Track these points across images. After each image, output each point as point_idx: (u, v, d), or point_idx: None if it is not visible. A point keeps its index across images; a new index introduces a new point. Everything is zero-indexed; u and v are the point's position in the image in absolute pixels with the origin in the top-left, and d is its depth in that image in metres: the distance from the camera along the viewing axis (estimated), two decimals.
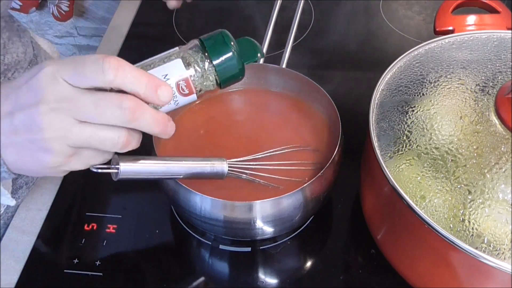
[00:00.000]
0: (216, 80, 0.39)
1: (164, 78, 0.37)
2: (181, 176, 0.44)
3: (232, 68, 0.39)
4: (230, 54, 0.38)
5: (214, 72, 0.39)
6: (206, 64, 0.38)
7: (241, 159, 0.50)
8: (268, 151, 0.52)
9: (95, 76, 0.33)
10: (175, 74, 0.37)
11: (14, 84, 0.36)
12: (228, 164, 0.47)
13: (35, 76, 0.34)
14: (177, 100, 0.38)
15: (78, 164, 0.37)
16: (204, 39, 0.39)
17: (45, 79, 0.34)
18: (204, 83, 0.39)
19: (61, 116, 0.34)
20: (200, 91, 0.39)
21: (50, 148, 0.35)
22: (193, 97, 0.39)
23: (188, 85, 0.38)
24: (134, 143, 0.37)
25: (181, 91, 0.38)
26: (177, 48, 0.39)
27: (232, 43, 0.39)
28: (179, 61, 0.38)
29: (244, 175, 0.49)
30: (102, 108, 0.34)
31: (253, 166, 0.50)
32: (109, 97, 0.34)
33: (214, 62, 0.38)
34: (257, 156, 0.51)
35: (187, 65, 0.38)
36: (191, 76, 0.38)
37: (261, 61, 0.59)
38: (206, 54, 0.38)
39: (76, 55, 0.35)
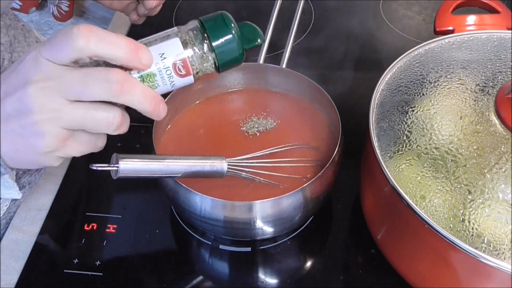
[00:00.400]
0: (215, 63, 0.38)
1: (161, 57, 0.36)
2: (181, 175, 0.44)
3: (231, 51, 0.38)
4: (230, 36, 0.37)
5: (213, 54, 0.37)
6: (205, 46, 0.37)
7: (240, 157, 0.50)
8: (267, 150, 0.52)
9: (68, 45, 0.32)
10: (173, 54, 0.36)
11: (5, 74, 0.36)
12: (228, 162, 0.47)
13: (22, 61, 0.34)
14: (173, 81, 0.37)
15: (73, 149, 0.36)
16: (204, 19, 0.38)
17: (30, 62, 0.34)
18: (203, 65, 0.38)
19: (50, 96, 0.33)
20: (197, 73, 0.38)
21: (43, 130, 0.34)
22: (190, 79, 0.38)
23: (186, 66, 0.37)
24: (126, 125, 0.36)
25: (178, 71, 0.37)
26: (175, 28, 0.38)
27: (232, 25, 0.38)
28: (177, 40, 0.37)
29: (244, 173, 0.49)
30: (89, 83, 0.33)
31: (253, 164, 0.50)
32: (95, 71, 0.33)
33: (214, 44, 0.37)
34: (256, 155, 0.51)
35: (185, 45, 0.37)
36: (188, 57, 0.37)
37: (261, 61, 0.59)
38: (206, 35, 0.37)
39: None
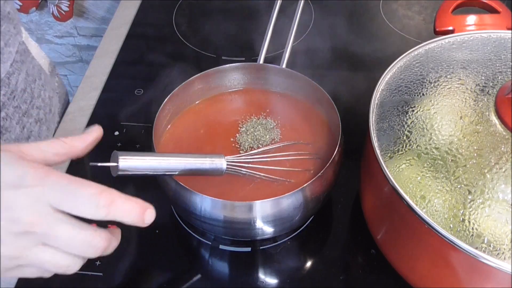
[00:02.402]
0: None
1: None
2: (180, 172, 0.44)
3: None
4: None
5: None
6: None
7: (240, 155, 0.50)
8: (265, 147, 0.52)
9: (88, 210, 0.33)
10: None
11: None
12: (227, 160, 0.47)
13: (18, 190, 0.32)
14: None
15: (9, 276, 0.35)
16: None
17: (27, 199, 0.32)
18: None
19: (28, 239, 0.32)
20: None
21: None
22: None
23: None
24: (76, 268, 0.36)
25: None
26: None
27: None
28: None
29: (244, 170, 0.49)
30: (76, 241, 0.33)
31: (252, 160, 0.50)
32: (86, 234, 0.34)
33: None
34: (254, 152, 0.52)
35: None
36: None
37: (261, 61, 0.59)
38: None
39: (60, 175, 0.33)
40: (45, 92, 0.65)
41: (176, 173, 0.44)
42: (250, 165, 0.49)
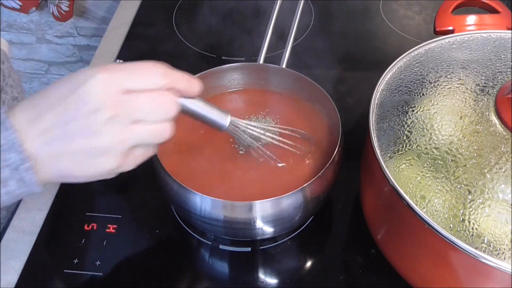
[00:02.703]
0: None
1: None
2: (183, 110, 0.43)
3: None
4: None
5: None
6: None
7: (246, 121, 0.49)
8: (270, 125, 0.53)
9: (152, 80, 0.37)
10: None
11: (48, 95, 0.36)
12: (231, 121, 0.46)
13: (85, 84, 0.35)
14: None
15: (130, 164, 0.39)
16: None
17: (100, 87, 0.35)
18: None
19: (119, 121, 0.36)
20: None
21: (110, 152, 0.36)
22: None
23: None
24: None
25: None
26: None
27: None
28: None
29: (245, 135, 0.48)
30: (155, 106, 0.37)
31: (256, 127, 0.49)
32: (161, 97, 0.37)
33: None
34: (260, 122, 0.52)
35: None
36: None
37: (261, 61, 0.59)
38: None
39: (117, 63, 0.38)
40: (14, 73, 0.67)
41: (181, 108, 0.43)
42: (250, 131, 0.49)
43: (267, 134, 0.50)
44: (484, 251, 0.38)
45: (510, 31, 0.52)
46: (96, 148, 0.36)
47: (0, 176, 0.35)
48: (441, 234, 0.38)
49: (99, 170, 0.37)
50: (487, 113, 0.43)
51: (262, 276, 0.53)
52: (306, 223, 0.56)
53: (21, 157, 0.35)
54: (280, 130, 0.52)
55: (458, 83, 0.46)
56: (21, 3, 1.02)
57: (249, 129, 0.48)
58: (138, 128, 0.37)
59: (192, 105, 0.42)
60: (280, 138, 0.51)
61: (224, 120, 0.45)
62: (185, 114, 0.43)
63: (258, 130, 0.49)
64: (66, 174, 0.37)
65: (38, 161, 0.36)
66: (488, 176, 0.40)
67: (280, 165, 0.52)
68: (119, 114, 0.35)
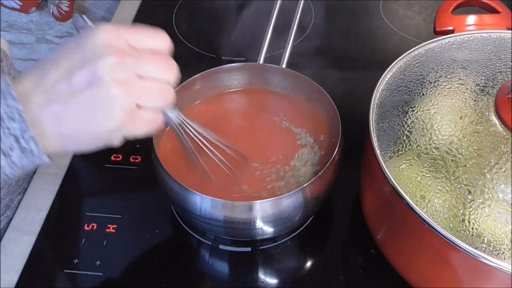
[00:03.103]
0: None
1: None
2: None
3: None
4: None
5: None
6: None
7: (194, 122, 0.46)
8: (216, 136, 0.48)
9: (158, 41, 0.38)
10: None
11: (57, 55, 0.36)
12: (178, 115, 0.43)
13: (91, 37, 0.35)
14: None
15: (135, 128, 0.37)
16: None
17: (106, 37, 0.35)
18: None
19: (124, 69, 0.35)
20: None
21: (113, 106, 0.35)
22: None
23: None
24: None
25: None
26: None
27: None
28: None
29: (184, 138, 0.45)
30: (160, 65, 0.37)
31: (193, 131, 0.46)
32: (166, 59, 0.38)
33: None
34: (201, 129, 0.46)
35: None
36: None
37: (261, 61, 0.59)
38: None
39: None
40: (14, 71, 0.66)
41: None
42: (194, 137, 0.46)
43: (203, 142, 0.46)
44: (484, 251, 0.38)
45: (510, 31, 0.52)
46: (99, 100, 0.35)
47: (2, 146, 0.35)
48: (441, 234, 0.38)
49: (102, 127, 0.36)
50: (487, 113, 0.43)
51: (262, 276, 0.53)
52: (306, 223, 0.56)
53: (21, 127, 0.34)
54: (220, 145, 0.48)
55: (458, 83, 0.46)
56: (21, 3, 1.02)
57: (191, 131, 0.46)
58: (143, 83, 0.36)
59: None
60: (213, 150, 0.47)
61: (172, 112, 0.43)
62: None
63: (196, 134, 0.46)
64: (68, 136, 0.36)
65: (40, 124, 0.35)
66: (488, 176, 0.40)
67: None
68: (124, 62, 0.35)
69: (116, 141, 0.38)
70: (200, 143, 0.46)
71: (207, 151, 0.47)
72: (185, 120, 0.44)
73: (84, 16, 0.39)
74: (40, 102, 0.35)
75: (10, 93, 0.35)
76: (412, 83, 0.48)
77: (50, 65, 0.36)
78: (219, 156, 0.48)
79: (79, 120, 0.36)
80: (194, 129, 0.46)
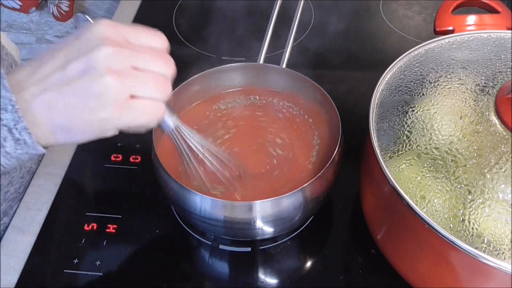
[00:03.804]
0: None
1: None
2: None
3: None
4: None
5: None
6: None
7: (191, 130, 0.45)
8: (212, 145, 0.48)
9: (156, 40, 0.39)
10: None
11: (55, 47, 0.36)
12: (175, 123, 0.42)
13: (89, 29, 0.36)
14: None
15: (130, 118, 0.37)
16: None
17: (104, 30, 0.36)
18: None
19: (119, 60, 0.35)
20: None
21: (106, 96, 0.35)
22: None
23: None
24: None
25: None
26: None
27: None
28: None
29: (181, 147, 0.45)
30: (158, 60, 0.38)
31: (191, 141, 0.45)
32: (163, 55, 0.38)
33: None
34: (200, 138, 0.46)
35: None
36: None
37: (261, 61, 0.59)
38: None
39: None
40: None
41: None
42: (190, 142, 0.45)
43: (203, 151, 0.46)
44: (484, 251, 0.38)
45: (510, 31, 0.52)
46: (93, 90, 0.35)
47: None
48: (441, 234, 0.38)
49: (94, 116, 0.36)
50: (487, 113, 0.43)
51: (262, 276, 0.53)
52: (306, 223, 0.56)
53: (14, 117, 0.34)
54: (217, 155, 0.48)
55: (458, 83, 0.46)
56: (21, 3, 1.02)
57: (190, 140, 0.45)
58: (138, 74, 0.36)
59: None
60: (212, 160, 0.47)
61: (170, 118, 0.42)
62: None
63: (195, 143, 0.45)
64: (60, 125, 0.36)
65: (32, 112, 0.35)
66: (488, 176, 0.40)
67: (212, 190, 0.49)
68: (119, 53, 0.35)
69: (110, 132, 0.38)
70: (198, 153, 0.46)
71: (205, 160, 0.47)
72: (182, 129, 0.44)
73: (86, 15, 0.40)
74: (34, 90, 0.35)
75: (3, 84, 0.35)
76: (412, 83, 0.48)
77: (47, 56, 0.36)
78: (217, 166, 0.48)
79: (71, 107, 0.36)
80: (192, 138, 0.45)
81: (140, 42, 0.38)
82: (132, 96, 0.36)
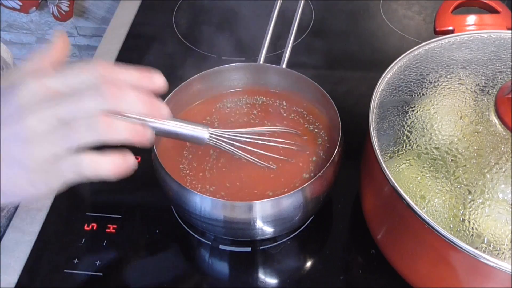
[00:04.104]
0: None
1: None
2: (157, 132, 0.42)
3: None
4: None
5: None
6: None
7: (225, 130, 0.48)
8: (256, 128, 0.52)
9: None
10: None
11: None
12: (210, 132, 0.45)
13: (15, 87, 0.33)
14: None
15: (52, 182, 0.35)
16: None
17: (28, 86, 0.33)
18: None
19: (45, 114, 0.33)
20: None
21: (25, 162, 0.33)
22: None
23: None
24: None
25: None
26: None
27: None
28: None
29: (226, 145, 0.47)
30: (134, 99, 0.35)
31: (235, 137, 0.48)
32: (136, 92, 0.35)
33: None
34: (243, 130, 0.50)
35: None
36: None
37: (261, 61, 0.59)
38: None
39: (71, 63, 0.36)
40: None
41: (155, 132, 0.42)
42: (232, 142, 0.48)
43: (254, 137, 0.49)
44: (484, 251, 0.38)
45: (510, 31, 0.52)
46: (20, 133, 0.32)
47: None
48: (441, 234, 0.38)
49: (12, 184, 0.34)
50: (487, 113, 0.43)
51: (262, 276, 0.53)
52: (306, 223, 0.56)
53: None
54: (267, 130, 0.52)
55: (458, 83, 0.46)
56: (21, 3, 1.02)
57: (233, 137, 0.47)
58: (65, 129, 0.33)
59: (164, 126, 0.41)
60: (269, 138, 0.50)
61: (202, 133, 0.44)
62: (159, 135, 0.42)
63: (242, 136, 0.48)
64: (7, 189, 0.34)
65: None
66: (488, 176, 0.40)
67: (272, 167, 0.52)
68: (101, 92, 0.33)
69: (38, 197, 0.35)
70: (242, 144, 0.49)
71: (250, 147, 0.50)
72: (215, 133, 0.46)
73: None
74: None
75: None
76: (412, 83, 0.48)
77: None
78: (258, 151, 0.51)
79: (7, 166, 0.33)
80: (228, 137, 0.47)
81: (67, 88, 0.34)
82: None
